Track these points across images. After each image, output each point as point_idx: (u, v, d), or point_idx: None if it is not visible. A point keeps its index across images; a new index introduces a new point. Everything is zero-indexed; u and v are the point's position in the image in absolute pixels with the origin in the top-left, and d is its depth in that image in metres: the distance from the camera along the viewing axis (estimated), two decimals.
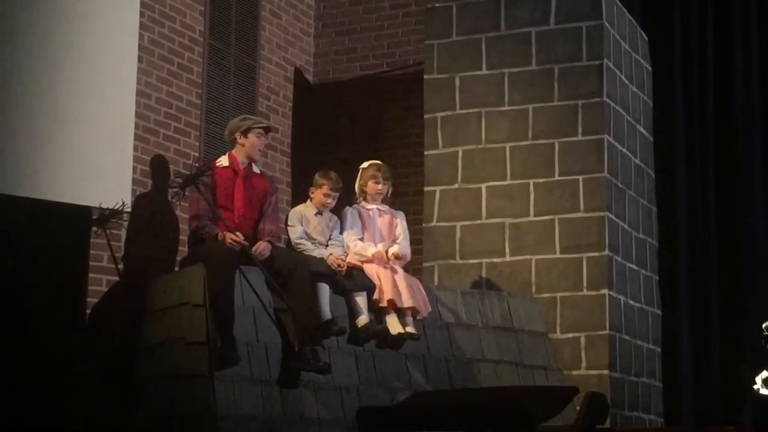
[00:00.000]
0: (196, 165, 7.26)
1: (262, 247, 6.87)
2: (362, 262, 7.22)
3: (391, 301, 7.11)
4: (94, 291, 7.50)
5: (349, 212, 7.40)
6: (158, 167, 8.02)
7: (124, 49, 7.50)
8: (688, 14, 9.60)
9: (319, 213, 7.29)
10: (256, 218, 7.12)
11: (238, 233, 6.80)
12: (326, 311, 6.90)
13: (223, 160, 7.14)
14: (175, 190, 7.12)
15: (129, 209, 7.43)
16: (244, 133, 7.14)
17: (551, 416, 6.59)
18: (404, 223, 7.55)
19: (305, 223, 7.23)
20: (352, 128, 9.81)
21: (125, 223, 7.63)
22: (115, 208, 7.29)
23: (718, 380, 9.12)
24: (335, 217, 7.35)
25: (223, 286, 6.59)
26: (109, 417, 6.95)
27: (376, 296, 7.15)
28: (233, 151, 7.17)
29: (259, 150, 7.21)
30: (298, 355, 6.70)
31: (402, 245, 7.42)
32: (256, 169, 7.25)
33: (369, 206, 7.46)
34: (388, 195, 7.54)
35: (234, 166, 7.11)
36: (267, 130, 7.30)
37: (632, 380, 8.35)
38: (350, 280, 7.07)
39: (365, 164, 7.54)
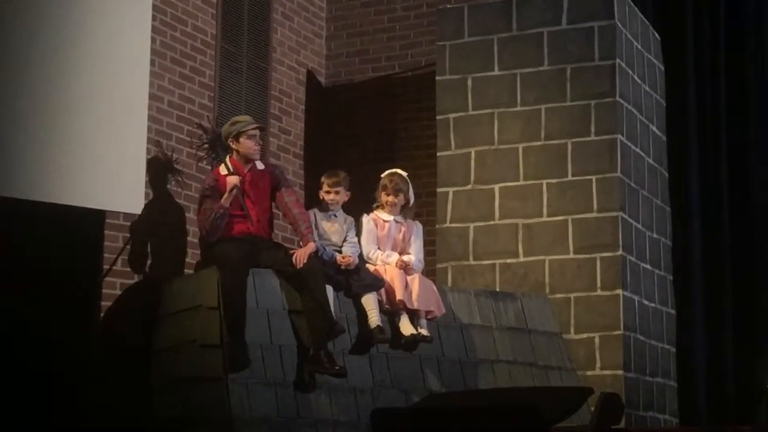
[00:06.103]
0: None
1: (311, 249, 6.86)
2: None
3: (401, 302, 7.11)
4: (108, 294, 7.51)
5: (365, 221, 7.37)
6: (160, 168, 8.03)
7: (137, 53, 7.50)
8: (700, 13, 9.59)
9: (334, 215, 7.28)
10: (268, 214, 7.12)
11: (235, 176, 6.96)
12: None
13: (224, 168, 7.08)
14: (204, 148, 7.45)
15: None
16: (236, 138, 7.10)
17: (566, 417, 6.58)
18: (420, 234, 7.51)
19: (318, 226, 7.23)
20: (365, 130, 9.81)
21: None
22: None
23: (732, 380, 9.10)
24: (350, 218, 7.34)
25: (236, 289, 6.59)
26: (125, 420, 6.95)
27: (385, 297, 7.12)
28: (234, 157, 7.13)
29: (255, 149, 7.12)
30: (313, 358, 6.70)
31: (413, 257, 7.38)
32: (260, 166, 7.21)
33: (386, 217, 7.43)
34: (409, 206, 7.48)
35: (238, 171, 7.08)
36: (257, 129, 7.19)
37: (647, 380, 8.33)
38: (358, 280, 7.04)
39: (383, 174, 7.51)
